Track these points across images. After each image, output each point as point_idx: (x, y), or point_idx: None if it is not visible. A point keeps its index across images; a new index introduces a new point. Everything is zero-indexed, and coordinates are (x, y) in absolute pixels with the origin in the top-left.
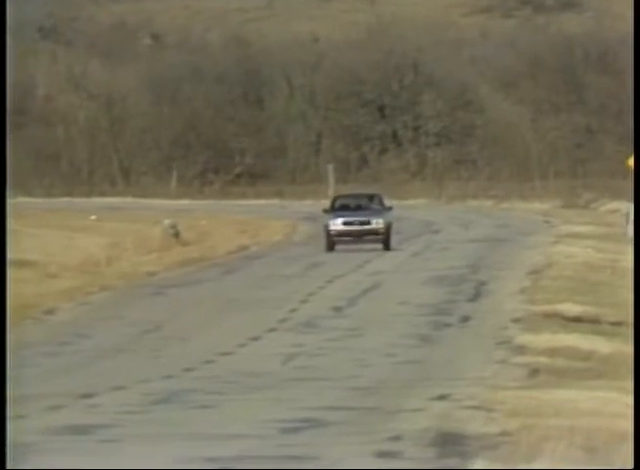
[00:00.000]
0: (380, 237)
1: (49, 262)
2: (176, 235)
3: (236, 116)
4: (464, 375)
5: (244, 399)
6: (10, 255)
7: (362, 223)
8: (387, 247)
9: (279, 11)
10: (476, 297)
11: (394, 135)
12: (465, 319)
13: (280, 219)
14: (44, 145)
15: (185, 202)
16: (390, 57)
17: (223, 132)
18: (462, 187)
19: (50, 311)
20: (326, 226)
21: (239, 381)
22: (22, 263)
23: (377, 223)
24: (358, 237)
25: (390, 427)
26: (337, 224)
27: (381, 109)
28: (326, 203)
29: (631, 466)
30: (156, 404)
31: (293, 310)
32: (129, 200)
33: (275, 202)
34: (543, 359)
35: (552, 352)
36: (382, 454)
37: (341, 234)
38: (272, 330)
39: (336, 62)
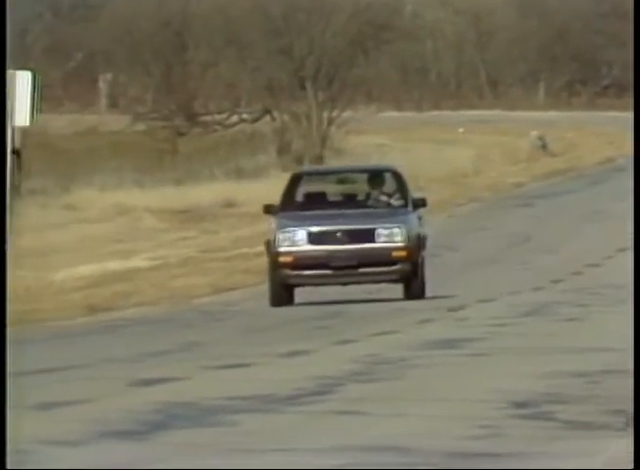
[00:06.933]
0: (396, 269)
1: (418, 175)
2: (543, 147)
3: (604, 28)
4: None
5: (610, 312)
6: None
7: (354, 237)
8: (413, 293)
9: None
10: None
11: None
12: None
13: None
14: (412, 59)
15: (552, 113)
16: None
17: (591, 44)
18: None
19: None
20: (269, 244)
21: (605, 293)
22: None
23: (390, 236)
24: (345, 269)
25: None
26: (295, 240)
27: None
28: None
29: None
30: (524, 317)
31: None
32: (497, 112)
33: None
34: None
35: None
36: None
37: (303, 264)
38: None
39: None
